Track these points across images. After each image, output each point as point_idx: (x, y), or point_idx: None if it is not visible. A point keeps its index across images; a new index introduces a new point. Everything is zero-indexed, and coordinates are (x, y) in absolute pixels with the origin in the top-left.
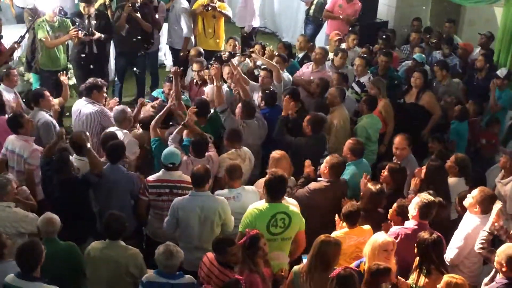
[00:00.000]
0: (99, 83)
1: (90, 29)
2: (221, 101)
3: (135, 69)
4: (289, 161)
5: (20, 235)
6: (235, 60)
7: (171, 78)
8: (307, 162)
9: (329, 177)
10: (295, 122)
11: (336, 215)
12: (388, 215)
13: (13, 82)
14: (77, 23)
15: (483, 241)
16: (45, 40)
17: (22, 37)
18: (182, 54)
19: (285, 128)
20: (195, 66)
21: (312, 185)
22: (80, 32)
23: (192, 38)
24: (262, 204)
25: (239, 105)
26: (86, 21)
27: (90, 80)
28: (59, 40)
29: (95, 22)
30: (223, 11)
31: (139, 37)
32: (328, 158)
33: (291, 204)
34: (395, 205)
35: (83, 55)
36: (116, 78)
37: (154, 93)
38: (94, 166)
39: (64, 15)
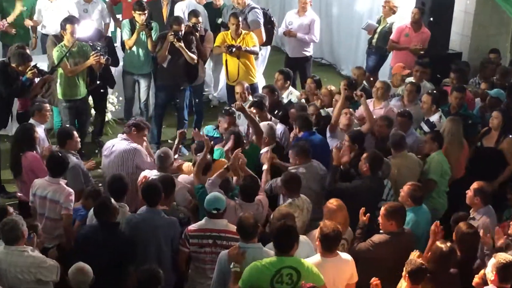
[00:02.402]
0: (141, 124)
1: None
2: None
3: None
4: (345, 212)
5: (40, 283)
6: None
7: (229, 111)
8: (362, 211)
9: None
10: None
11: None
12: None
13: (44, 118)
14: (98, 47)
15: None
16: (64, 67)
17: (54, 68)
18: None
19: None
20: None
21: (377, 238)
22: (102, 57)
23: None
24: (268, 257)
25: (290, 151)
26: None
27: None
28: (78, 67)
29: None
30: (248, 49)
31: (182, 69)
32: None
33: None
34: (482, 271)
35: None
36: (155, 115)
37: (208, 132)
38: None
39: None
